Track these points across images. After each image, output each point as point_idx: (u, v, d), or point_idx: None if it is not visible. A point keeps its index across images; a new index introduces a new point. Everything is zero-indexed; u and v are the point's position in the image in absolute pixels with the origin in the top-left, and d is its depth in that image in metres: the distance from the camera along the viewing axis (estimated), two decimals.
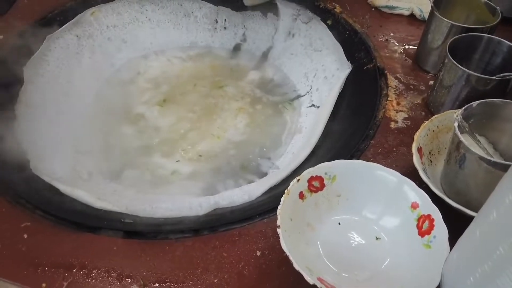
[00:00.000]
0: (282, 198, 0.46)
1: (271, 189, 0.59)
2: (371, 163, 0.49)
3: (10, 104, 0.69)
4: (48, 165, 0.63)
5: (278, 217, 0.45)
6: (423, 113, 0.64)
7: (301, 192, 0.48)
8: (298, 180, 0.48)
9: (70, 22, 0.83)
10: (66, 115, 0.75)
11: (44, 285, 0.45)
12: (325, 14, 0.84)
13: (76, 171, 0.67)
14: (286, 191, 0.47)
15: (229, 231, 0.50)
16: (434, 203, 0.45)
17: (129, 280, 0.45)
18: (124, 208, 0.56)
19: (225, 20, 0.92)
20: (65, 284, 0.45)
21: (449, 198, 0.48)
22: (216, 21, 0.92)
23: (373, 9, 0.84)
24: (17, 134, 0.65)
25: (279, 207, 0.46)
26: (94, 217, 0.53)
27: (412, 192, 0.46)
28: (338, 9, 0.83)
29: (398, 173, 0.48)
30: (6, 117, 0.67)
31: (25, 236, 0.49)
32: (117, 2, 0.88)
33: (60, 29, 0.81)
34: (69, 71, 0.81)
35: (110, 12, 0.87)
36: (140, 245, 0.49)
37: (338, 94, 0.73)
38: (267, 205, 0.53)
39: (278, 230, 0.44)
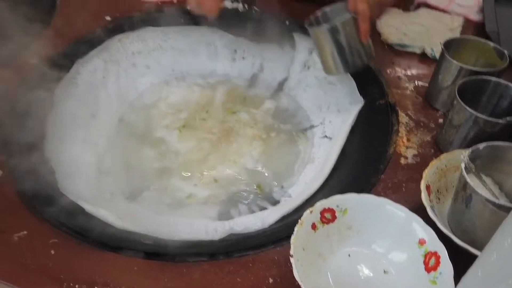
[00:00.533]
0: (296, 228, 0.49)
1: (283, 217, 0.62)
2: (381, 198, 0.52)
3: (40, 124, 0.73)
4: (74, 184, 0.67)
5: (292, 246, 0.47)
6: (432, 151, 0.67)
7: (313, 223, 0.51)
8: (311, 211, 0.51)
9: (98, 47, 0.88)
10: (91, 136, 0.79)
11: None
12: None
13: (100, 191, 0.70)
14: (299, 221, 0.50)
15: (243, 257, 0.53)
16: (440, 240, 0.47)
17: None
18: (144, 229, 0.59)
19: (244, 50, 0.96)
20: None
21: (456, 236, 0.50)
22: (236, 51, 0.96)
23: (386, 46, 0.88)
24: (46, 153, 0.69)
25: (292, 237, 0.48)
26: (117, 237, 0.56)
27: (420, 228, 0.49)
28: None
29: (406, 209, 0.50)
30: (37, 136, 0.71)
31: (52, 252, 0.52)
32: (142, 30, 0.93)
33: (89, 53, 0.86)
34: (96, 94, 0.85)
35: (136, 39, 0.92)
36: (160, 267, 0.51)
37: (350, 127, 0.76)
38: (280, 233, 0.56)
39: (291, 260, 0.46)
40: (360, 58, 0.71)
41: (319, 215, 0.51)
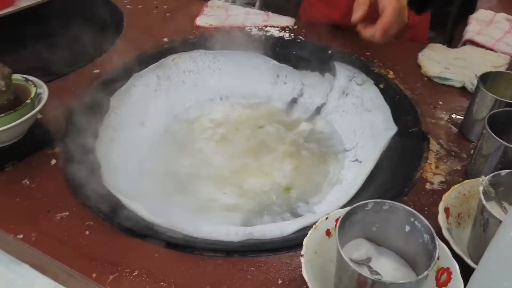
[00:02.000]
0: (310, 231, 0.51)
1: (303, 229, 0.64)
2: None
3: (95, 125, 0.82)
4: (115, 180, 0.73)
5: (303, 247, 0.50)
6: (461, 179, 0.66)
7: (328, 230, 0.53)
8: (327, 218, 0.53)
9: (154, 64, 0.97)
10: (137, 140, 0.87)
11: (94, 275, 0.53)
12: (378, 78, 0.90)
13: (137, 189, 0.76)
14: (314, 226, 0.52)
15: (256, 258, 0.55)
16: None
17: (163, 284, 0.52)
18: (171, 225, 0.64)
19: (286, 76, 1.01)
20: (111, 277, 0.52)
21: (473, 260, 0.49)
22: (278, 76, 1.02)
23: (425, 78, 0.89)
24: (96, 150, 0.77)
25: (305, 239, 0.50)
26: (144, 226, 0.61)
27: None
28: (391, 75, 0.90)
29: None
30: (92, 135, 0.79)
31: (87, 232, 0.58)
32: (195, 52, 1.01)
33: (145, 69, 0.96)
34: (147, 105, 0.94)
35: (188, 59, 1.01)
36: (178, 256, 0.55)
37: (381, 152, 0.77)
38: (296, 240, 0.58)
39: (302, 259, 0.48)
40: None
41: (335, 223, 0.53)
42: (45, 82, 0.83)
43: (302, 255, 0.49)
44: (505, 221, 0.33)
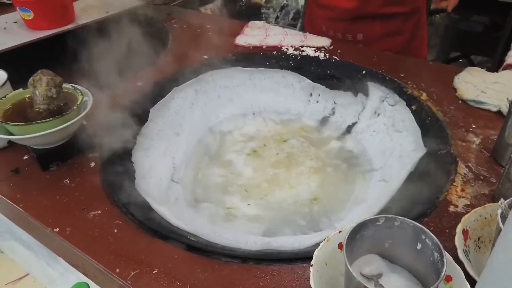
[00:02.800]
0: (322, 243, 0.52)
1: (321, 242, 0.65)
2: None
3: (134, 134, 0.88)
4: (147, 185, 0.78)
5: (314, 257, 0.51)
6: (487, 204, 0.64)
7: (340, 243, 0.53)
8: (340, 231, 0.54)
9: (193, 79, 1.03)
10: (172, 150, 0.92)
11: (117, 270, 0.56)
12: (411, 100, 0.90)
13: (167, 195, 0.81)
14: (326, 238, 0.53)
15: (270, 266, 0.57)
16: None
17: (179, 284, 0.54)
18: (193, 230, 0.67)
19: (319, 95, 1.03)
20: (132, 273, 0.56)
21: None
22: (311, 94, 1.04)
23: (459, 101, 0.88)
24: (132, 156, 0.82)
25: (316, 249, 0.52)
26: (168, 229, 0.64)
27: (449, 265, 0.48)
28: (424, 97, 0.89)
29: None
30: (130, 142, 0.85)
31: (115, 230, 0.62)
32: (232, 68, 1.06)
33: (184, 83, 1.02)
34: (183, 117, 0.99)
35: (224, 75, 1.05)
36: (196, 259, 0.58)
37: (408, 173, 0.76)
38: (311, 253, 0.58)
39: (311, 268, 0.50)
40: None
41: None
42: (93, 93, 0.91)
43: (311, 265, 0.50)
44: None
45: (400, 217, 0.48)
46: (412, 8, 1.16)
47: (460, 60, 2.62)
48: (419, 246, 0.48)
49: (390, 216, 0.48)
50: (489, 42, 2.22)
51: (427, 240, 0.46)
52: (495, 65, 2.06)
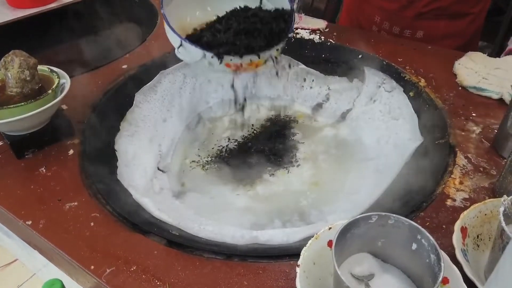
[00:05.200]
0: (310, 241, 0.49)
1: (311, 237, 0.61)
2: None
3: (118, 120, 0.83)
4: (130, 173, 0.74)
5: (301, 256, 0.47)
6: (487, 198, 0.61)
7: (330, 241, 0.50)
8: (330, 228, 0.50)
9: (181, 62, 0.98)
10: (158, 137, 0.88)
11: (92, 267, 0.53)
12: (408, 86, 0.86)
13: (152, 184, 0.77)
14: (315, 235, 0.49)
15: (255, 263, 0.53)
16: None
17: (158, 282, 0.51)
18: (177, 222, 0.63)
19: (313, 80, 0.99)
20: (108, 270, 0.52)
21: None
22: (305, 80, 0.99)
23: (459, 88, 0.83)
24: (115, 143, 0.78)
25: (304, 248, 0.48)
26: (148, 222, 0.61)
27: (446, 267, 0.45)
28: (422, 83, 0.85)
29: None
30: (113, 129, 0.81)
31: (92, 224, 0.59)
32: None
33: (172, 67, 0.96)
34: (171, 102, 0.94)
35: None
36: (176, 255, 0.54)
37: (403, 164, 0.73)
38: (299, 249, 0.55)
39: (297, 269, 0.46)
40: None
41: None
42: (75, 75, 0.86)
43: (298, 265, 0.46)
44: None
45: (394, 215, 0.45)
46: (480, 9, 1.07)
47: (449, 50, 2.56)
48: (414, 246, 0.44)
49: (383, 214, 0.45)
50: (490, 26, 2.16)
51: (423, 240, 0.43)
52: (495, 51, 2.00)
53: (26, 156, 0.70)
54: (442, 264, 0.40)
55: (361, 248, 0.48)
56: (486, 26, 1.15)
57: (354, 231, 0.45)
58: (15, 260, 1.63)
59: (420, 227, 0.43)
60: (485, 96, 0.81)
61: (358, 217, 0.45)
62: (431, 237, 0.42)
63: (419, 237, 0.43)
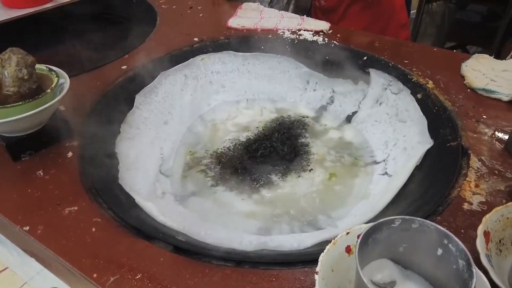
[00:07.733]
0: (327, 247, 0.46)
1: (322, 243, 0.59)
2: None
3: (118, 122, 0.80)
4: (133, 177, 0.71)
5: (319, 263, 0.44)
6: (504, 201, 0.59)
7: (348, 246, 0.47)
8: (348, 233, 0.48)
9: (182, 63, 0.95)
10: (160, 140, 0.85)
11: (95, 275, 0.50)
12: (416, 88, 0.84)
13: (154, 188, 0.74)
14: (333, 240, 0.47)
15: (268, 271, 0.50)
16: None
17: None
18: (182, 227, 0.60)
19: (316, 83, 0.97)
20: (112, 279, 0.49)
21: None
22: (308, 82, 0.97)
23: (468, 90, 0.82)
24: (116, 146, 0.75)
25: (322, 254, 0.45)
26: (153, 228, 0.58)
27: None
28: (430, 85, 0.83)
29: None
30: (113, 131, 0.78)
31: (93, 229, 0.55)
32: (224, 53, 0.99)
33: (173, 68, 0.94)
34: (172, 104, 0.92)
35: (217, 60, 0.98)
36: (184, 262, 0.51)
37: (414, 167, 0.71)
38: (313, 255, 0.53)
39: (316, 276, 0.43)
40: None
41: (356, 239, 0.47)
42: (74, 76, 0.83)
43: (316, 272, 0.44)
44: None
45: (419, 218, 0.42)
46: None
47: (455, 51, 2.57)
48: (439, 251, 0.42)
49: (407, 217, 0.42)
50: (486, 32, 2.17)
51: (450, 245, 0.41)
52: (492, 56, 2.01)
53: (23, 159, 0.66)
54: (474, 270, 0.37)
55: (381, 253, 0.46)
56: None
57: (376, 236, 0.43)
58: (5, 269, 1.58)
59: (447, 231, 0.41)
60: (495, 98, 0.79)
61: (381, 221, 0.42)
62: (460, 242, 0.40)
63: (445, 241, 0.41)
